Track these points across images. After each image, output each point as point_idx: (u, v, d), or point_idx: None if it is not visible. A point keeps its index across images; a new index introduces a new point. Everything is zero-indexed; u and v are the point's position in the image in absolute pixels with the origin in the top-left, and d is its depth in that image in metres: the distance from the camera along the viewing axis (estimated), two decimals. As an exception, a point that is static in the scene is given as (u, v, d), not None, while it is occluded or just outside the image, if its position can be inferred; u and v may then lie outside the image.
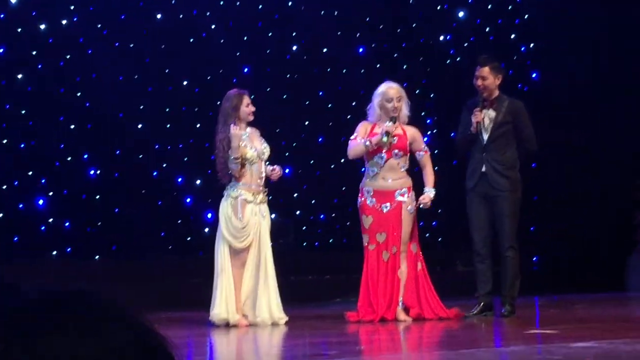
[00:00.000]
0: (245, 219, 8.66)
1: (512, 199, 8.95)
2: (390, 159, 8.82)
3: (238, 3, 12.41)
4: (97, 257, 11.62)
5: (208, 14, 12.24)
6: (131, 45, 11.83)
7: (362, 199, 8.91)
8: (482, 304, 8.99)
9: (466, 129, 9.05)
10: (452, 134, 12.62)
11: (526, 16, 13.79)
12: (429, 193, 8.90)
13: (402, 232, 8.80)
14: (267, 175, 8.88)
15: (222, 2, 12.33)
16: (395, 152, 8.82)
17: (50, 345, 0.82)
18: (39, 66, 11.39)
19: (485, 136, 8.96)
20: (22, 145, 11.31)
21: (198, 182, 12.06)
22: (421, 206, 8.89)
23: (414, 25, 13.39)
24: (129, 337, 0.87)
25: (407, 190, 8.88)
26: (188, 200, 12.10)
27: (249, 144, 8.81)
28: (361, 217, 8.94)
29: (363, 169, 9.17)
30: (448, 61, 13.37)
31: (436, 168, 13.20)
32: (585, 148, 13.27)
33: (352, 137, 8.96)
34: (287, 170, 12.18)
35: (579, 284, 12.45)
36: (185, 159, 12.05)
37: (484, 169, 8.92)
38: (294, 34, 12.80)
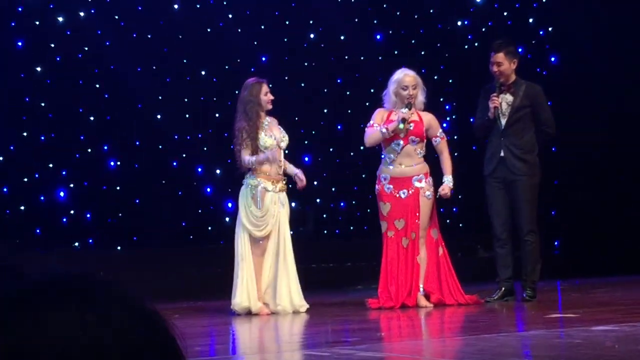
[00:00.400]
0: (264, 208, 8.68)
1: (531, 183, 8.92)
2: (407, 146, 8.81)
3: (255, -8, 12.41)
4: (118, 247, 11.68)
5: (225, 3, 12.25)
6: (149, 36, 11.86)
7: (379, 186, 8.91)
8: (503, 289, 8.98)
9: (484, 114, 9.03)
10: (471, 120, 12.60)
11: (544, 0, 13.72)
12: (448, 183, 8.87)
13: (421, 218, 8.78)
14: (291, 176, 8.91)
15: (238, -9, 12.34)
16: (412, 139, 8.80)
17: (52, 327, 0.83)
18: (58, 58, 11.43)
19: (504, 121, 8.94)
20: (42, 138, 11.37)
21: (218, 171, 12.08)
22: (441, 196, 8.88)
23: (431, 11, 13.35)
24: (131, 319, 0.87)
25: (424, 176, 8.86)
26: (208, 189, 12.13)
27: (268, 133, 8.82)
28: (379, 204, 8.94)
29: (382, 156, 9.16)
30: (466, 46, 13.32)
31: (456, 154, 13.21)
32: (605, 131, 13.21)
33: (368, 125, 8.95)
34: (306, 159, 12.22)
35: (601, 268, 12.42)
36: (205, 149, 12.07)
37: (502, 153, 8.90)
38: (311, 22, 12.79)
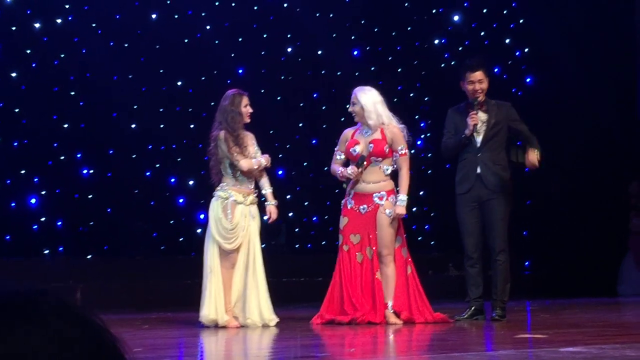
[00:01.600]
0: (234, 220, 8.64)
1: (506, 202, 8.94)
2: (370, 166, 8.81)
3: (233, 4, 12.42)
4: (89, 256, 11.62)
5: (203, 14, 12.25)
6: (126, 45, 11.84)
7: (344, 200, 8.96)
8: (472, 307, 8.99)
9: (457, 133, 9.03)
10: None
11: (521, 20, 13.81)
12: (400, 203, 8.80)
13: (379, 234, 8.77)
14: (262, 193, 8.88)
15: (217, 3, 12.35)
16: (374, 159, 8.80)
17: None
18: (33, 65, 11.39)
19: (479, 138, 8.96)
20: (15, 144, 11.31)
21: (191, 182, 12.06)
22: (391, 216, 8.79)
23: (409, 28, 13.41)
24: (78, 334, 0.86)
25: (387, 193, 8.82)
26: (181, 200, 12.11)
27: (245, 145, 8.78)
28: (340, 218, 8.98)
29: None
30: (442, 65, 13.38)
31: (429, 171, 13.29)
32: (578, 153, 13.29)
33: (336, 148, 9.03)
34: (280, 172, 12.22)
35: (571, 289, 12.47)
36: (179, 160, 12.05)
37: (479, 170, 8.90)
38: (289, 35, 12.81)
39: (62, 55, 11.50)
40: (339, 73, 12.90)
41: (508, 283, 8.95)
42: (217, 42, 12.28)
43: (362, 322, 8.60)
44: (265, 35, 12.63)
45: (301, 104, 12.81)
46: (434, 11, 13.51)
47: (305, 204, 12.86)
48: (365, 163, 8.71)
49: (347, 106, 9.00)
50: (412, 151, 13.29)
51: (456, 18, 13.64)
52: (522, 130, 9.06)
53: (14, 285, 0.89)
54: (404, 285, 8.85)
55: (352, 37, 13.14)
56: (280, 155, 12.21)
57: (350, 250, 8.80)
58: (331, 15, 12.97)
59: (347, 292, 8.79)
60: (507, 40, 13.85)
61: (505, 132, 9.02)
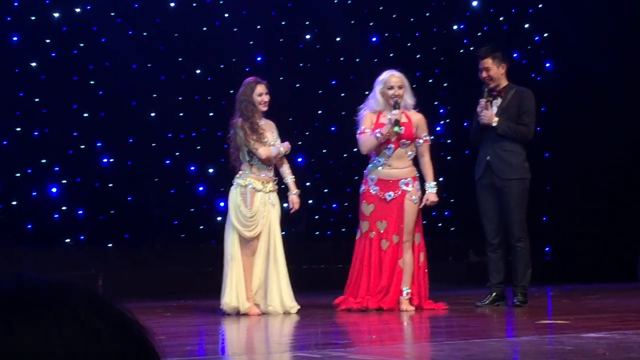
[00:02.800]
0: (254, 208, 8.65)
1: (519, 188, 8.91)
2: (399, 149, 8.77)
3: (251, -9, 12.41)
4: (110, 244, 11.67)
5: (221, 2, 12.25)
6: (144, 34, 11.85)
7: (366, 186, 8.87)
8: (494, 293, 8.99)
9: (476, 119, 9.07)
10: (465, 123, 12.61)
11: (540, 5, 13.74)
12: (432, 190, 8.79)
13: (405, 221, 8.75)
14: (283, 180, 8.90)
15: (235, -9, 12.34)
16: (403, 142, 8.77)
17: (25, 339, 0.83)
18: (53, 54, 11.42)
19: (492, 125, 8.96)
20: (36, 133, 11.35)
21: (211, 170, 12.08)
22: (427, 204, 8.82)
23: (427, 14, 13.37)
24: (107, 325, 0.87)
25: (412, 180, 8.80)
26: (201, 188, 12.13)
27: (262, 132, 8.79)
28: (361, 204, 8.90)
29: (371, 158, 9.06)
30: (461, 50, 13.33)
31: (449, 157, 13.26)
32: (598, 138, 13.23)
33: (359, 131, 8.87)
34: (299, 159, 12.22)
35: (591, 275, 12.44)
36: (198, 148, 12.07)
37: (488, 157, 8.91)
38: (307, 22, 12.79)
39: (82, 45, 11.52)
40: (357, 60, 12.88)
41: (529, 269, 8.94)
42: (235, 29, 12.28)
43: (372, 308, 8.62)
44: (283, 23, 12.62)
45: (320, 91, 12.80)
46: (452, -3, 13.46)
47: (325, 191, 12.86)
48: (400, 127, 8.65)
49: (367, 92, 8.97)
50: (432, 137, 13.32)
51: (475, 3, 13.59)
52: (521, 119, 8.94)
53: (43, 277, 0.90)
54: (416, 272, 8.87)
55: (371, 24, 13.12)
56: (299, 143, 12.21)
57: (375, 237, 8.77)
58: (349, 1, 12.94)
59: (369, 279, 8.79)
60: (526, 26, 13.79)
61: (517, 119, 8.96)
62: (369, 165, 8.94)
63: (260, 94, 8.70)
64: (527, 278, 8.95)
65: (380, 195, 8.76)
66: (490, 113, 8.90)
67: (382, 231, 8.75)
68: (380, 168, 8.79)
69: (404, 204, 8.73)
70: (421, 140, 8.84)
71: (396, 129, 8.62)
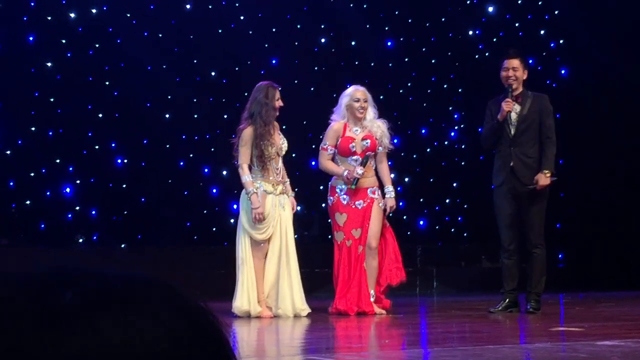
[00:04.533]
0: (265, 211, 8.66)
1: (541, 195, 8.90)
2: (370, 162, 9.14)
3: (267, -6, 12.41)
4: (122, 245, 11.67)
5: (237, 4, 12.25)
6: (160, 35, 11.86)
7: (334, 197, 9.15)
8: (507, 300, 8.97)
9: (492, 120, 9.05)
10: (480, 129, 12.59)
11: (556, 12, 13.71)
12: (391, 195, 9.13)
13: (375, 227, 9.00)
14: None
15: (251, -7, 12.33)
16: (368, 154, 9.08)
17: (107, 336, 0.85)
18: (68, 54, 11.44)
19: (513, 130, 8.94)
20: (50, 133, 11.37)
21: (224, 172, 12.07)
22: (389, 210, 9.08)
23: (443, 19, 13.34)
24: (188, 326, 0.89)
25: (377, 188, 9.18)
26: (214, 190, 12.13)
27: (272, 141, 8.80)
28: (334, 215, 9.14)
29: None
30: (477, 56, 13.31)
31: (462, 163, 13.23)
32: (613, 144, 13.19)
33: (323, 145, 9.21)
34: (313, 163, 12.20)
35: (604, 282, 12.39)
36: (212, 150, 12.06)
37: (512, 163, 8.89)
38: (322, 26, 12.79)
39: (97, 45, 11.54)
40: (372, 64, 12.87)
41: (544, 276, 8.92)
42: (250, 32, 12.28)
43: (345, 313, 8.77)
44: (298, 26, 12.61)
45: (334, 95, 12.75)
46: (468, 2, 13.43)
47: (338, 194, 12.83)
48: (369, 161, 8.97)
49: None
50: (446, 143, 13.30)
51: (490, 9, 13.56)
52: (546, 128, 8.97)
53: (123, 273, 0.91)
54: (381, 258, 9.15)
55: (386, 28, 13.10)
56: (313, 146, 12.19)
57: (352, 245, 8.99)
58: (365, 5, 12.93)
59: (353, 285, 8.93)
60: (542, 32, 13.75)
61: (538, 125, 8.97)
62: (334, 177, 9.17)
63: (278, 99, 8.76)
64: (541, 285, 8.92)
65: (351, 204, 9.04)
66: (511, 104, 8.92)
67: (357, 238, 8.99)
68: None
69: (373, 210, 8.96)
70: (381, 148, 9.12)
71: (352, 186, 8.94)
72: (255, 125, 8.64)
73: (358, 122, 9.15)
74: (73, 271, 0.90)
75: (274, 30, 12.43)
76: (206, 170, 12.11)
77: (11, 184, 11.22)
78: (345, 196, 9.05)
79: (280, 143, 8.86)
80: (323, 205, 12.80)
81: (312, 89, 12.52)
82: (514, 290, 8.97)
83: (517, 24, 13.65)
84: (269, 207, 8.69)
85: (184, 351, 0.87)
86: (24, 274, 0.90)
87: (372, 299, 8.96)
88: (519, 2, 13.63)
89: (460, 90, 13.37)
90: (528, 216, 8.86)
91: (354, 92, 9.25)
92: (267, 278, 8.69)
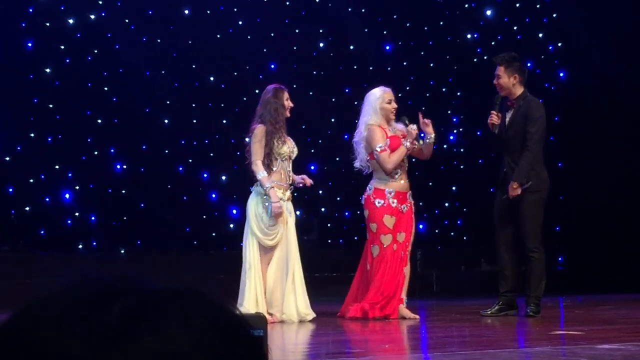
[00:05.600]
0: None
1: (534, 198, 8.86)
2: (405, 160, 9.11)
3: (265, -1, 12.43)
4: (122, 251, 11.67)
5: (235, 9, 12.26)
6: (158, 41, 11.87)
7: (385, 200, 8.96)
8: (500, 302, 9.00)
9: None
10: (479, 132, 12.59)
11: (554, 15, 13.72)
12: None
13: (413, 231, 9.02)
14: (297, 182, 8.89)
15: (249, -2, 12.35)
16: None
17: (150, 344, 0.88)
18: (67, 60, 11.45)
19: (507, 136, 8.96)
20: (50, 139, 11.37)
21: (223, 177, 12.08)
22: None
23: (441, 23, 13.36)
24: (217, 332, 0.91)
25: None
26: (213, 195, 12.13)
27: (285, 140, 8.79)
28: (382, 218, 8.93)
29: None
30: (475, 60, 13.32)
31: (462, 167, 13.24)
32: (612, 147, 13.19)
33: (378, 149, 8.94)
34: (312, 167, 12.21)
35: (604, 285, 12.39)
36: (211, 155, 12.07)
37: (505, 168, 8.92)
38: (321, 30, 12.80)
39: (96, 51, 11.55)
40: (371, 68, 12.88)
41: (543, 280, 8.91)
42: (249, 37, 12.29)
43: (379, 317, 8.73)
44: (297, 31, 12.62)
45: (333, 99, 12.80)
46: (466, 6, 13.44)
47: (338, 199, 12.85)
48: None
49: (388, 104, 9.08)
50: (445, 146, 13.30)
51: (489, 12, 13.58)
52: (527, 135, 8.87)
53: (153, 282, 0.94)
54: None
55: (384, 32, 13.11)
56: (312, 151, 12.21)
57: (397, 249, 8.91)
58: (363, 10, 12.95)
59: (396, 288, 8.88)
60: (540, 35, 13.76)
61: (524, 131, 8.91)
62: (377, 180, 9.03)
63: (287, 99, 8.78)
64: (540, 289, 8.91)
65: (399, 208, 8.95)
66: (494, 117, 8.92)
67: (401, 242, 8.91)
68: (396, 181, 8.96)
69: (412, 215, 8.97)
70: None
71: (421, 141, 8.81)
72: (266, 125, 8.63)
73: (388, 123, 9.08)
74: (115, 284, 0.94)
75: (272, 35, 12.44)
76: (205, 175, 12.12)
77: (10, 190, 11.23)
78: (394, 200, 8.97)
79: (292, 146, 8.88)
80: (322, 209, 12.83)
81: (310, 93, 12.53)
82: (507, 292, 8.99)
83: (515, 27, 13.66)
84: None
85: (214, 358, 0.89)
86: (71, 289, 0.93)
87: (404, 305, 8.91)
88: (517, 5, 13.64)
89: (459, 93, 13.39)
90: (523, 220, 8.86)
91: (385, 94, 9.08)
92: (268, 283, 8.70)
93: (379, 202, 8.97)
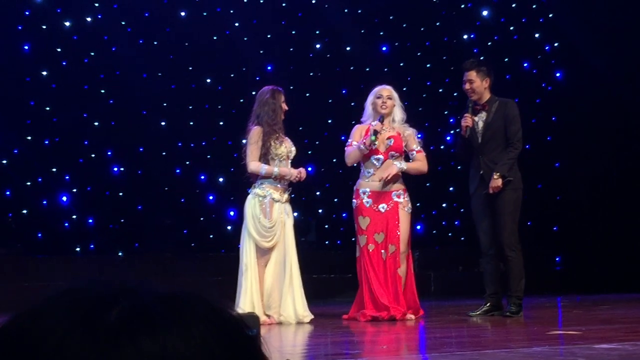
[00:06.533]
0: (273, 219, 8.66)
1: (510, 198, 8.91)
2: (387, 160, 8.93)
3: (262, 1, 12.43)
4: (120, 253, 11.67)
5: (231, 11, 12.26)
6: (155, 43, 11.87)
7: (358, 200, 9.00)
8: (487, 304, 9.04)
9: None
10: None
11: (550, 15, 13.73)
12: (401, 165, 8.88)
13: (402, 232, 8.87)
14: (296, 178, 8.85)
15: (245, 0, 12.35)
16: (392, 154, 8.94)
17: (143, 349, 0.88)
18: (64, 63, 11.44)
19: (480, 139, 9.00)
20: (47, 142, 11.37)
21: (221, 180, 12.08)
22: (409, 211, 8.94)
23: (437, 23, 13.36)
24: (216, 338, 0.92)
25: (403, 191, 8.98)
26: (210, 198, 12.13)
27: (282, 141, 8.79)
28: (357, 219, 9.00)
29: (361, 170, 9.15)
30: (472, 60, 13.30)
31: (459, 167, 13.24)
32: (609, 147, 13.20)
33: (347, 144, 9.06)
34: (309, 169, 12.21)
35: (602, 285, 12.40)
36: (209, 157, 12.07)
37: (481, 171, 8.96)
38: (317, 32, 12.80)
39: (92, 54, 11.55)
40: (367, 69, 12.88)
41: (522, 279, 8.94)
42: (245, 39, 12.29)
43: (386, 318, 8.66)
44: (293, 32, 12.62)
45: (330, 100, 12.80)
46: (462, 6, 13.45)
47: (335, 200, 12.85)
48: (377, 136, 8.81)
49: (378, 99, 8.99)
50: (442, 147, 13.30)
51: (485, 13, 13.58)
52: (509, 134, 8.96)
53: (153, 287, 0.95)
54: (409, 281, 9.01)
55: (381, 33, 13.12)
56: (309, 152, 12.21)
57: (375, 250, 8.87)
58: (359, 11, 12.95)
59: (376, 292, 8.84)
60: (537, 35, 13.77)
61: (504, 131, 8.98)
62: (359, 180, 9.08)
63: (284, 101, 8.77)
64: (520, 288, 8.94)
65: (374, 208, 8.91)
66: (469, 120, 8.96)
67: (379, 242, 8.86)
68: (371, 181, 8.93)
69: (399, 214, 8.88)
70: (414, 152, 9.02)
71: (372, 137, 8.75)
72: (263, 125, 8.63)
73: (385, 120, 8.94)
74: (114, 288, 0.94)
75: (268, 36, 12.44)
76: (202, 177, 12.11)
77: (7, 193, 11.22)
78: (368, 199, 8.93)
79: (290, 147, 8.87)
80: (320, 211, 12.83)
81: (307, 94, 12.53)
82: (494, 294, 9.04)
83: (511, 28, 13.67)
84: (277, 215, 8.69)
85: None
86: (70, 292, 0.93)
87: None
88: (514, 5, 13.65)
89: (455, 94, 13.37)
90: (500, 221, 8.90)
91: (379, 90, 9.06)
92: (265, 285, 8.69)
93: (354, 202, 9.06)
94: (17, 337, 0.90)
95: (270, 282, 8.69)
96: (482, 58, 9.40)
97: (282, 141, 8.75)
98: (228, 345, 0.92)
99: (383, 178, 8.85)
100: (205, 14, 12.12)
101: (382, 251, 8.87)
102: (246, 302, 8.56)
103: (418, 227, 13.11)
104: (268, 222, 8.63)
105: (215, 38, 12.17)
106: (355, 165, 9.16)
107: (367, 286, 8.91)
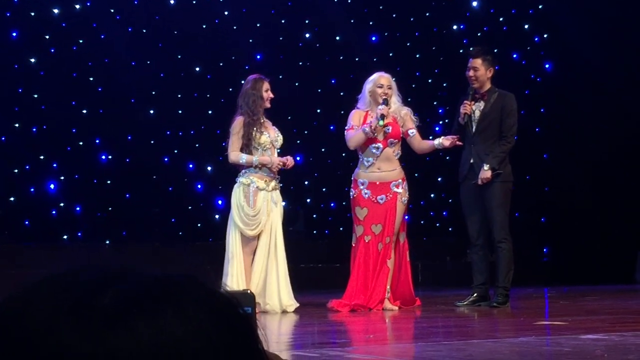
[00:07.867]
0: (257, 207, 8.65)
1: (501, 189, 8.92)
2: (387, 149, 8.91)
3: (251, -11, 12.40)
4: (107, 241, 11.65)
5: (221, 0, 12.23)
6: (144, 31, 11.84)
7: (356, 191, 8.96)
8: (474, 294, 9.06)
9: (456, 120, 9.15)
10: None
11: (540, 6, 13.73)
12: (438, 143, 8.91)
13: (395, 222, 8.84)
14: (279, 166, 8.82)
15: (235, -11, 12.32)
16: (391, 141, 8.92)
17: (144, 336, 0.87)
18: (52, 50, 11.40)
19: (474, 128, 9.00)
20: (34, 129, 11.33)
21: (209, 168, 12.06)
22: (406, 202, 8.94)
23: (427, 14, 13.35)
24: (212, 321, 0.91)
25: (402, 181, 8.96)
26: (199, 186, 12.11)
27: (264, 130, 8.78)
28: (354, 209, 8.98)
29: (360, 159, 9.11)
30: (461, 51, 13.31)
31: (447, 157, 13.25)
32: (598, 140, 13.22)
33: (347, 128, 9.01)
34: (298, 158, 12.20)
35: (589, 276, 12.43)
36: (197, 145, 12.05)
37: (472, 160, 8.96)
38: (307, 21, 12.78)
39: (81, 41, 11.51)
40: (357, 59, 12.87)
41: (511, 270, 8.96)
42: (235, 27, 12.27)
43: (361, 308, 8.66)
44: (283, 21, 12.60)
45: (319, 90, 12.78)
46: (452, -3, 13.45)
47: (323, 190, 12.85)
48: (384, 120, 8.79)
49: (379, 88, 8.95)
50: (431, 137, 13.29)
51: (475, 4, 13.58)
52: (504, 127, 8.98)
53: (149, 271, 0.94)
54: (398, 269, 8.97)
55: (370, 23, 13.10)
56: (298, 142, 12.20)
57: (371, 241, 8.83)
58: (349, 1, 12.93)
59: (370, 282, 8.83)
60: (526, 26, 13.78)
61: (499, 123, 8.99)
62: (357, 169, 9.03)
63: (267, 90, 8.74)
64: (508, 279, 8.96)
65: (373, 199, 8.87)
66: (469, 107, 8.96)
67: (377, 234, 8.82)
68: (369, 171, 8.89)
69: (396, 206, 8.86)
70: (412, 132, 8.99)
71: (381, 122, 8.73)
72: (244, 116, 8.64)
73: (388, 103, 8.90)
74: (106, 272, 0.93)
75: (258, 25, 12.42)
76: (191, 166, 12.10)
77: (-5, 180, 11.18)
78: (367, 191, 8.90)
79: (276, 135, 8.85)
80: (308, 200, 12.82)
81: (297, 84, 12.52)
82: (482, 285, 9.05)
83: (501, 19, 13.67)
84: (261, 203, 8.68)
85: (213, 349, 0.89)
86: (63, 275, 0.92)
87: (387, 296, 8.86)
88: (503, -4, 13.65)
89: (444, 85, 13.39)
90: (490, 212, 8.91)
91: (378, 78, 9.01)
92: (255, 274, 8.69)
93: (352, 192, 9.03)
94: (7, 322, 0.88)
95: (256, 271, 8.69)
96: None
97: (263, 131, 8.73)
98: (224, 326, 0.91)
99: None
100: (194, 2, 12.09)
101: (379, 243, 8.84)
102: (233, 289, 8.56)
103: (406, 217, 13.11)
104: (252, 210, 8.63)
105: (204, 26, 12.14)
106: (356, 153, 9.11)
107: (356, 276, 8.91)
